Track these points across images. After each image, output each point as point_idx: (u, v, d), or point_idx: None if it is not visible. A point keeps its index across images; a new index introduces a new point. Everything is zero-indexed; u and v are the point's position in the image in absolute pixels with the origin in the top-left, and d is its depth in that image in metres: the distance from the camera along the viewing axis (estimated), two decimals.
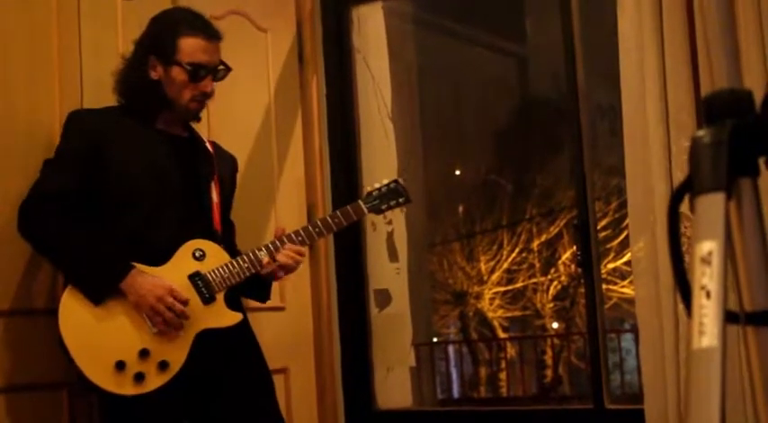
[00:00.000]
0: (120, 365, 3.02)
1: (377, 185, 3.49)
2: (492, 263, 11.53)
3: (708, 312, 1.15)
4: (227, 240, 3.35)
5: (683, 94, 3.44)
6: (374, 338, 4.47)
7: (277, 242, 3.26)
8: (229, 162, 3.52)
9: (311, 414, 4.25)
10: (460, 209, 11.45)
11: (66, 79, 3.49)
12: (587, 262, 3.90)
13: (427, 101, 5.68)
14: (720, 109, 1.24)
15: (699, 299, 1.16)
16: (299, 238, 3.29)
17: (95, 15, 3.61)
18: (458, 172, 11.15)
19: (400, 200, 3.50)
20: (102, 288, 3.04)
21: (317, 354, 4.32)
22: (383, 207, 3.47)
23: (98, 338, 3.04)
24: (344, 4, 4.56)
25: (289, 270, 3.31)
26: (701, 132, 1.24)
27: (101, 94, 3.33)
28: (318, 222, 3.36)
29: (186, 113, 3.28)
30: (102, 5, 3.64)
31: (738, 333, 1.23)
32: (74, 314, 3.04)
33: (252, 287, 3.35)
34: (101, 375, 3.02)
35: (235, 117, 3.96)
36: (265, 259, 3.23)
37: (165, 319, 3.03)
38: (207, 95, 3.25)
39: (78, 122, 3.23)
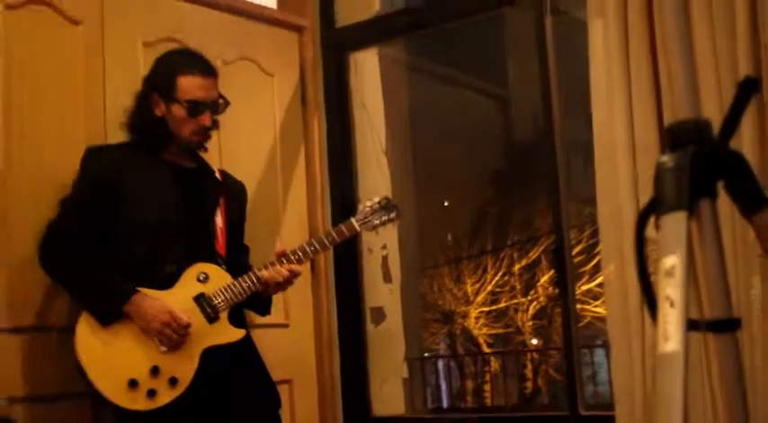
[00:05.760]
0: (133, 383, 3.00)
1: (368, 203, 3.44)
2: (477, 285, 11.51)
3: (671, 320, 1.14)
4: (235, 262, 3.31)
5: (649, 131, 3.44)
6: (370, 352, 4.45)
7: (276, 263, 3.23)
8: (238, 190, 3.50)
9: (313, 421, 4.23)
10: (449, 237, 11.43)
11: (92, 118, 3.50)
12: (563, 284, 3.89)
13: (419, 138, 5.68)
14: (682, 136, 1.24)
15: (663, 308, 1.16)
16: (296, 257, 3.25)
17: (119, 59, 3.62)
18: (446, 203, 11.14)
19: (392, 215, 3.45)
20: (108, 311, 3.03)
21: (319, 366, 4.30)
22: (375, 222, 3.42)
23: (111, 359, 3.02)
24: (343, 50, 4.57)
25: (282, 286, 3.27)
26: (664, 158, 1.24)
27: (123, 132, 3.31)
28: (314, 241, 3.31)
29: (189, 145, 3.25)
30: (125, 51, 3.65)
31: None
32: (88, 339, 3.03)
33: (253, 302, 3.32)
34: (116, 393, 3.00)
35: (244, 152, 3.96)
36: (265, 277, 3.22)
37: (173, 341, 3.02)
38: (206, 129, 3.23)
39: (93, 161, 3.21)
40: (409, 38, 4.87)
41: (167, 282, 3.13)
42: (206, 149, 3.34)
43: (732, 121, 1.21)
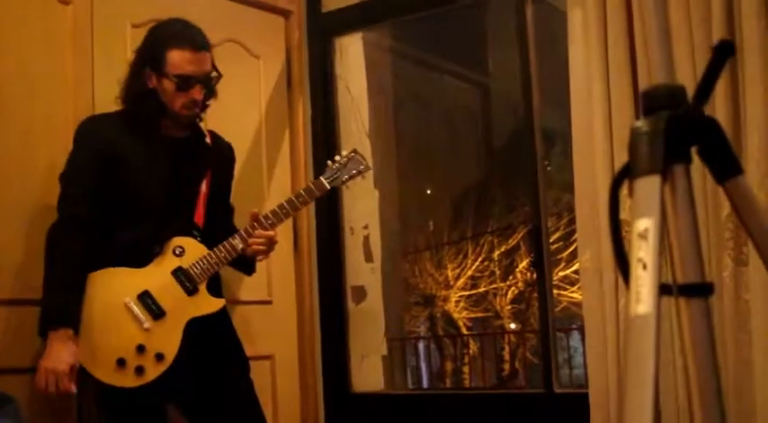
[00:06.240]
0: (121, 362, 2.97)
1: (336, 159, 3.39)
2: (458, 270, 11.49)
3: (644, 282, 1.11)
4: (218, 226, 3.26)
5: (627, 118, 3.41)
6: (351, 329, 4.42)
7: (249, 228, 3.19)
8: (226, 152, 3.44)
9: (294, 395, 4.19)
10: (431, 223, 11.39)
11: (80, 98, 3.46)
12: (540, 268, 3.86)
13: (402, 122, 5.64)
14: (657, 101, 1.20)
15: (636, 270, 1.12)
16: (269, 222, 3.21)
17: (107, 40, 3.57)
18: (429, 191, 11.09)
19: (361, 168, 3.40)
20: (41, 330, 2.96)
21: (300, 342, 4.26)
22: (344, 178, 3.38)
23: (98, 342, 2.98)
24: (328, 34, 4.52)
25: (263, 253, 3.24)
26: (639, 122, 1.20)
27: (111, 111, 3.25)
28: (285, 203, 3.26)
29: (180, 119, 3.16)
30: (114, 32, 3.60)
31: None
32: None
33: (239, 263, 3.29)
34: (105, 373, 2.98)
35: (229, 133, 3.86)
36: (240, 246, 3.17)
37: (47, 389, 2.92)
38: (197, 103, 3.13)
39: (91, 130, 3.15)
40: (393, 24, 4.82)
41: (150, 260, 3.09)
42: (201, 119, 3.25)
43: (707, 86, 1.18)
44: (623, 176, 1.20)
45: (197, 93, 3.11)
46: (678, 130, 1.17)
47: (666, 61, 1.20)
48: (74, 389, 2.93)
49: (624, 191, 1.25)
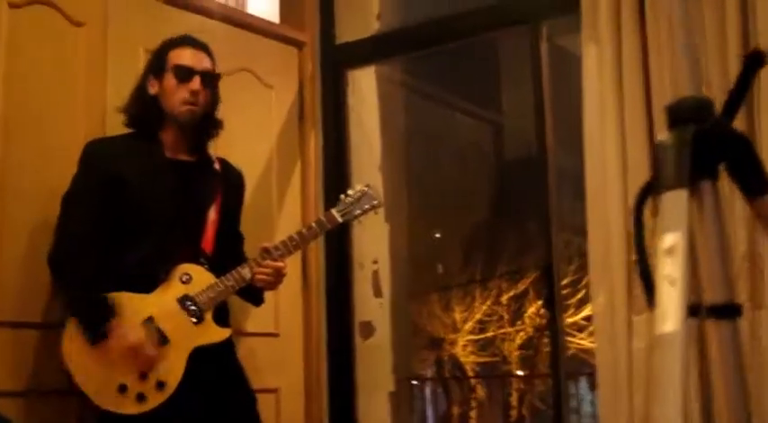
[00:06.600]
0: (123, 388, 2.92)
1: (350, 193, 3.35)
2: (466, 313, 11.41)
3: (671, 299, 1.06)
4: (227, 253, 3.22)
5: (641, 154, 3.37)
6: (358, 366, 4.35)
7: (259, 258, 3.15)
8: (236, 180, 3.41)
9: None
10: (440, 267, 11.32)
11: (92, 121, 3.43)
12: (552, 312, 3.79)
13: (413, 157, 5.61)
14: (683, 115, 1.16)
15: (662, 287, 1.07)
16: (279, 253, 3.18)
17: (120, 64, 3.56)
18: (438, 234, 11.03)
19: (374, 203, 3.35)
20: (91, 336, 2.94)
21: (307, 377, 4.19)
22: (356, 213, 3.32)
23: (100, 366, 2.93)
24: (341, 67, 4.51)
25: (271, 284, 3.21)
26: (664, 136, 1.16)
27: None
28: (295, 236, 3.23)
29: (181, 122, 3.15)
30: (127, 55, 3.58)
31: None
32: (76, 344, 2.94)
33: (247, 293, 3.26)
34: (106, 399, 2.93)
35: (240, 162, 3.85)
36: (248, 276, 3.13)
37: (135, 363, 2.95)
38: (196, 96, 3.13)
39: (95, 152, 3.13)
40: (407, 58, 4.81)
41: (152, 284, 3.05)
42: (210, 136, 3.25)
43: (737, 99, 1.13)
44: (647, 193, 1.16)
45: (196, 84, 3.13)
46: (706, 145, 1.13)
47: (693, 73, 1.16)
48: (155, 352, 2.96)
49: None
